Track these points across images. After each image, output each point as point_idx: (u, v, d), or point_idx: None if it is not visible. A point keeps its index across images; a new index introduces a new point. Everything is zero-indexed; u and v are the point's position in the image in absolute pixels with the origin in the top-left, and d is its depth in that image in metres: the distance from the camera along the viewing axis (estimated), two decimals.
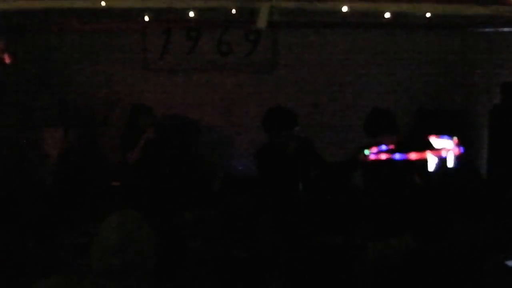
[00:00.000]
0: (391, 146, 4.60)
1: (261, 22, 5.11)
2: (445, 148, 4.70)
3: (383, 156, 4.55)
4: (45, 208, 3.74)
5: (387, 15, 5.03)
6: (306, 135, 5.06)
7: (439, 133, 5.95)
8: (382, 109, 4.90)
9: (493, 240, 2.68)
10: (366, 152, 4.60)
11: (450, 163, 5.49)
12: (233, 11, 5.13)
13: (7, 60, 5.80)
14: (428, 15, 5.04)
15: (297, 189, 4.87)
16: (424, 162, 5.07)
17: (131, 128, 5.58)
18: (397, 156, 4.53)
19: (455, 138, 4.77)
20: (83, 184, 5.07)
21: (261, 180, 4.91)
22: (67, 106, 6.41)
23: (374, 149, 4.61)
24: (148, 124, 5.49)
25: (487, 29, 6.05)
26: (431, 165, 5.44)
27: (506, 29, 5.81)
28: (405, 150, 4.94)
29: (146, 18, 5.64)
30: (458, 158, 4.89)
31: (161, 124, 5.77)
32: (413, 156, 4.51)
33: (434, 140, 5.25)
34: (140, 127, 5.50)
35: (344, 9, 4.77)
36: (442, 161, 5.31)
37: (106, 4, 4.66)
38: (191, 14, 5.15)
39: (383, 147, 4.63)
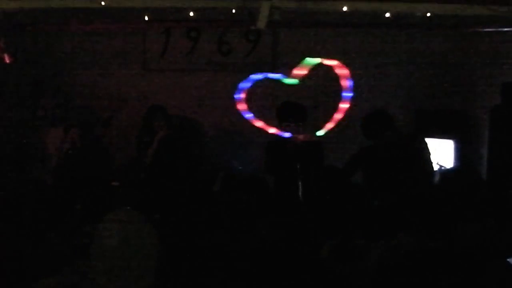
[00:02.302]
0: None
1: (261, 22, 5.12)
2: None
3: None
4: (45, 208, 3.74)
5: (387, 15, 5.04)
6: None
7: (439, 133, 5.95)
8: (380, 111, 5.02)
9: (494, 240, 2.68)
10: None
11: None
12: (233, 11, 5.14)
13: (7, 60, 5.80)
14: (428, 15, 5.04)
15: (297, 188, 4.88)
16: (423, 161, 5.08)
17: (146, 128, 5.68)
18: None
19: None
20: (84, 184, 5.06)
21: (267, 173, 4.97)
22: (69, 106, 6.39)
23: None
24: (162, 124, 5.59)
25: (487, 29, 6.05)
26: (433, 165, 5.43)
27: (506, 29, 5.81)
28: (400, 149, 4.97)
29: (146, 18, 5.65)
30: None
31: (174, 123, 5.84)
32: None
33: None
34: (154, 127, 5.60)
35: (344, 9, 4.78)
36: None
37: (106, 4, 4.67)
38: (191, 14, 5.16)
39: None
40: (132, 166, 5.87)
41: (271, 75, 5.26)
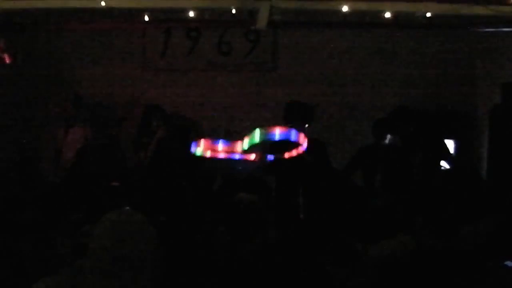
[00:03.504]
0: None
1: (261, 22, 5.11)
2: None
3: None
4: (45, 208, 3.75)
5: (387, 15, 5.03)
6: (319, 137, 5.14)
7: (439, 133, 5.94)
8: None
9: (493, 240, 2.68)
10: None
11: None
12: (233, 11, 5.14)
13: (7, 60, 5.80)
14: (428, 15, 5.04)
15: (297, 189, 4.88)
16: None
17: (144, 128, 5.67)
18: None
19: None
20: (91, 183, 5.05)
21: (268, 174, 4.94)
22: (80, 105, 6.33)
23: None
24: (160, 124, 5.58)
25: (487, 29, 6.04)
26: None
27: (506, 29, 5.81)
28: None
29: (146, 18, 5.65)
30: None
31: (173, 123, 5.84)
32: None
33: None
34: (152, 127, 5.60)
35: (344, 9, 4.78)
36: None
37: (106, 4, 4.67)
38: (191, 14, 5.16)
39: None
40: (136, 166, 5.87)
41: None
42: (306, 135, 4.91)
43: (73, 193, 4.04)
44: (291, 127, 4.91)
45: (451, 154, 5.29)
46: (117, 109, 6.66)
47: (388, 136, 5.38)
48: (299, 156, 4.72)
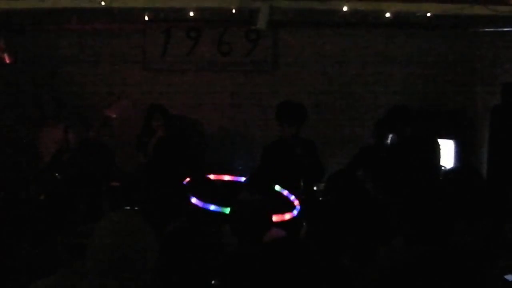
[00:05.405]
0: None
1: (261, 22, 5.11)
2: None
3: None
4: (43, 208, 3.74)
5: (387, 15, 5.04)
6: (309, 137, 5.13)
7: (439, 133, 5.95)
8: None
9: (492, 241, 2.68)
10: None
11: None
12: (233, 11, 5.14)
13: (7, 60, 5.80)
14: (428, 15, 5.05)
15: (298, 188, 4.87)
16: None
17: (146, 128, 5.68)
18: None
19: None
20: (79, 183, 5.03)
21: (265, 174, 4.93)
22: (61, 104, 6.34)
23: None
24: (160, 124, 5.58)
25: (487, 29, 6.05)
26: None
27: (506, 29, 5.81)
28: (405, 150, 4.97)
29: (146, 18, 5.65)
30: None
31: (173, 123, 5.83)
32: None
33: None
34: (153, 127, 5.61)
35: (344, 9, 4.78)
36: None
37: (106, 4, 4.67)
38: (191, 14, 5.16)
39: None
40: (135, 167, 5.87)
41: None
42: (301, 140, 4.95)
43: (63, 193, 4.01)
44: (285, 128, 4.92)
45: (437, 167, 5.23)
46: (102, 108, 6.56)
47: (390, 136, 5.38)
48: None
